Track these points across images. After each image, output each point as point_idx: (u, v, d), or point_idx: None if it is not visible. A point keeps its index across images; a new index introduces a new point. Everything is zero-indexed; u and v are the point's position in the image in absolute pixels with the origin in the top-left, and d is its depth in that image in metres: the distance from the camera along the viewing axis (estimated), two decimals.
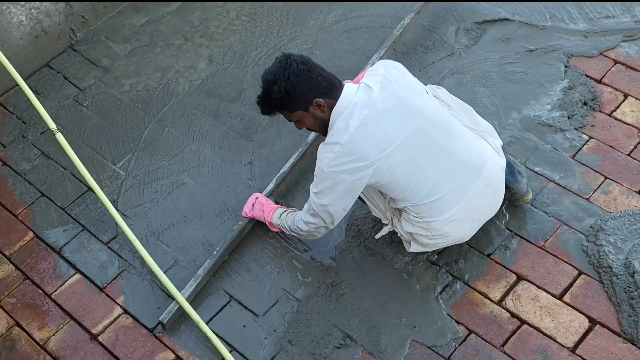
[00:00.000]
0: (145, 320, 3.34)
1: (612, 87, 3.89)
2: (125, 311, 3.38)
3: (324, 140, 3.01)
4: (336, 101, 2.95)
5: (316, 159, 3.04)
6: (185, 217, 3.66)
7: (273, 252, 3.48)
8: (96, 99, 4.23)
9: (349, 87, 2.99)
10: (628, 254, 3.23)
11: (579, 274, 3.25)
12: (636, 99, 3.83)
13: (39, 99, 3.68)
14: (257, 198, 3.49)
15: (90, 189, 3.73)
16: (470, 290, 3.26)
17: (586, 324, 3.12)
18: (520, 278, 3.27)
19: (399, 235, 3.28)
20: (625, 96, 3.84)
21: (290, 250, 3.48)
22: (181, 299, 3.24)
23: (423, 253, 3.35)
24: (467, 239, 3.26)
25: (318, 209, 3.07)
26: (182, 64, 4.37)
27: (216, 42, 4.46)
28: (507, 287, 3.24)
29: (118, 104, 4.19)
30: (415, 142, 2.97)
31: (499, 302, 3.21)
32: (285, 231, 3.36)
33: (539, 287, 3.23)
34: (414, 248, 3.23)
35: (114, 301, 3.41)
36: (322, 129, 3.04)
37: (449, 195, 3.04)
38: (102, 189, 3.55)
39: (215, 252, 3.42)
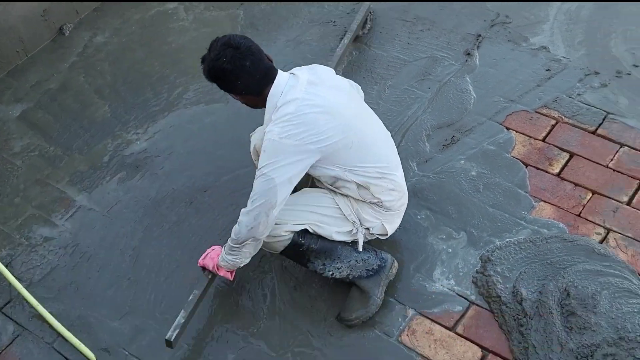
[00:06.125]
0: None
1: None
2: None
3: (271, 121, 3.07)
4: (271, 84, 3.08)
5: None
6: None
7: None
8: None
9: (281, 73, 3.12)
10: (515, 282, 3.34)
11: (470, 305, 3.34)
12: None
13: None
14: (213, 249, 3.36)
15: None
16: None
17: (479, 353, 3.19)
18: (416, 312, 3.33)
19: (368, 230, 3.34)
20: None
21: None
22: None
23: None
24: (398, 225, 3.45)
25: (263, 188, 3.00)
26: (77, 123, 4.34)
27: (112, 101, 4.45)
28: (403, 323, 3.30)
29: (9, 167, 4.13)
30: (354, 114, 3.16)
31: (396, 338, 3.26)
32: (230, 258, 3.19)
33: (433, 320, 3.30)
34: (389, 229, 3.37)
35: None
36: (258, 104, 3.17)
37: (392, 161, 3.30)
38: None
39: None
